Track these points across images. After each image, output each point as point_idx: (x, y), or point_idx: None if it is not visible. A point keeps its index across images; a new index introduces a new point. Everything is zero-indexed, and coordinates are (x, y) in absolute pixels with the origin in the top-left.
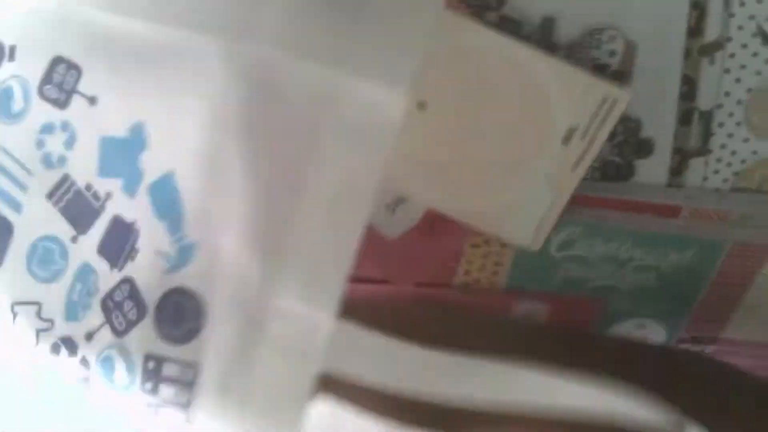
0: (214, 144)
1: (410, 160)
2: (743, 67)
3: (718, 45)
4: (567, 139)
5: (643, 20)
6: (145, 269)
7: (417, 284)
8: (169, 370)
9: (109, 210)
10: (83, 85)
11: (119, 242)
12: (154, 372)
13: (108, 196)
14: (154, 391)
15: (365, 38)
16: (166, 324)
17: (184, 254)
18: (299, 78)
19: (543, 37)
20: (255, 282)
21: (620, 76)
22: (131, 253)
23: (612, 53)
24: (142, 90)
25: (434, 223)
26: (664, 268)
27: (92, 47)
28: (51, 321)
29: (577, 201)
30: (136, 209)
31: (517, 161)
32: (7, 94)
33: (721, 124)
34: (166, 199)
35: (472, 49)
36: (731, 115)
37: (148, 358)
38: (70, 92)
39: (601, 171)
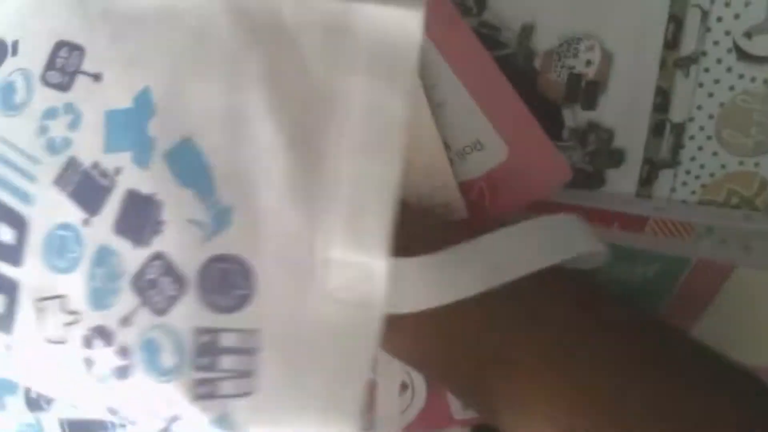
0: (234, 102)
1: None
2: (717, 81)
3: (693, 58)
4: None
5: (621, 31)
6: (178, 241)
7: None
8: (227, 340)
9: (121, 185)
10: (87, 64)
11: (139, 217)
12: (209, 345)
13: (117, 171)
14: (212, 365)
15: None
16: (213, 294)
17: (220, 219)
18: (309, 16)
19: (521, 43)
20: (302, 237)
21: (596, 85)
22: (157, 227)
23: (588, 62)
24: (145, 56)
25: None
26: (629, 283)
27: (91, 21)
28: (77, 313)
29: (547, 209)
30: (154, 180)
31: None
32: (10, 87)
33: (691, 137)
34: (188, 166)
35: None
36: (702, 128)
37: (199, 332)
38: (74, 73)
39: (572, 179)
